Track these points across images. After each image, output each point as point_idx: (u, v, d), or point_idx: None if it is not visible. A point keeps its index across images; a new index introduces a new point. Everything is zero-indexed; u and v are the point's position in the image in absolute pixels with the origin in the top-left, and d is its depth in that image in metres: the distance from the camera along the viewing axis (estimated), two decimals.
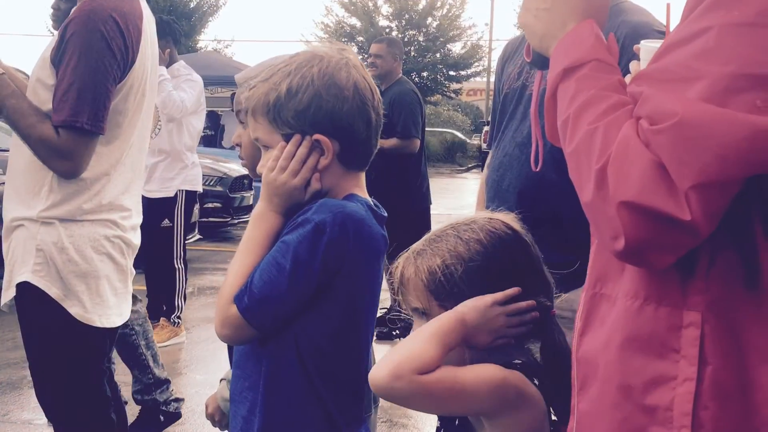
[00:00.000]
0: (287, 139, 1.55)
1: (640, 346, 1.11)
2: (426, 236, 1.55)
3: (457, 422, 1.53)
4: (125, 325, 3.68)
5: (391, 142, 5.53)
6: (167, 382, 3.76)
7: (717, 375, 1.05)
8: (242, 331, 1.52)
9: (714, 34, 1.01)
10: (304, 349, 1.55)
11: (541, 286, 1.50)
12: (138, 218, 2.58)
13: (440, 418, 1.59)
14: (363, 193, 1.63)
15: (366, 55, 6.51)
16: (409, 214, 5.61)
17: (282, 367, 1.56)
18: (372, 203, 1.63)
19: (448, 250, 1.47)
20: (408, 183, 5.70)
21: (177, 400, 3.78)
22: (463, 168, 25.63)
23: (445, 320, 1.41)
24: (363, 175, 1.66)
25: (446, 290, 1.45)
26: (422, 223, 5.74)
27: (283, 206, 1.56)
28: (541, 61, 1.30)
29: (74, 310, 2.31)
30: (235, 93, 1.90)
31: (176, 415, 3.72)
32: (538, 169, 1.44)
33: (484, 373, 1.39)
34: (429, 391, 1.35)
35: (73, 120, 2.21)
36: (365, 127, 1.58)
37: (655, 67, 1.07)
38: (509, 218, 1.54)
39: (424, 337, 1.38)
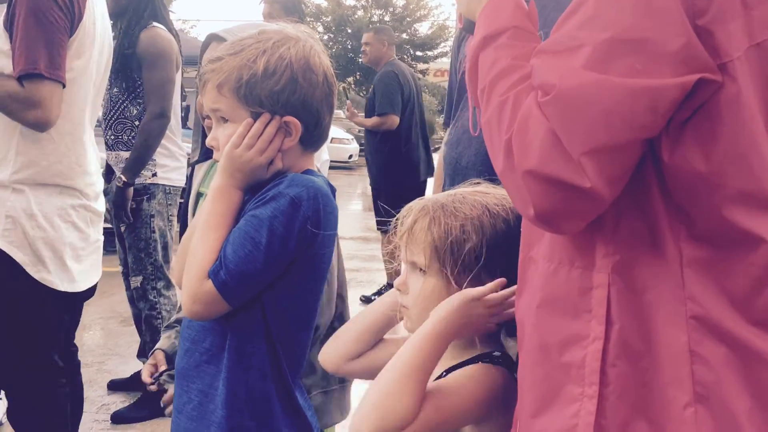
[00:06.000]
0: (255, 117, 1.55)
1: (556, 306, 1.14)
2: (450, 192, 1.48)
3: None
4: (153, 308, 3.86)
5: (372, 120, 6.07)
6: None
7: (623, 334, 1.08)
8: (215, 306, 1.52)
9: (592, 3, 1.04)
10: (272, 319, 1.56)
11: None
12: (100, 184, 2.64)
13: None
14: (315, 169, 1.66)
15: (331, 35, 6.72)
16: (398, 187, 6.01)
17: (248, 338, 1.57)
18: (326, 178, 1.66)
19: (472, 218, 1.40)
20: (393, 157, 6.12)
21: None
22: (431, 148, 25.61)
23: (420, 343, 1.32)
24: (314, 155, 1.69)
25: (453, 257, 1.39)
26: (412, 197, 5.93)
27: (245, 182, 1.57)
28: (472, 27, 1.31)
29: (39, 275, 2.38)
30: None
31: None
32: (476, 134, 1.45)
33: (472, 389, 1.34)
34: None
35: (31, 68, 2.27)
36: (328, 113, 1.62)
37: (550, 39, 1.09)
38: None
39: (400, 381, 1.28)
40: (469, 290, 1.37)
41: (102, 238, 2.64)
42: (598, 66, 1.00)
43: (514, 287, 1.33)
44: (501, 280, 1.37)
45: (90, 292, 2.64)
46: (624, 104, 0.99)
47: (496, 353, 1.42)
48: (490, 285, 1.37)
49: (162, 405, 3.70)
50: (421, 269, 1.44)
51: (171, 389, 1.78)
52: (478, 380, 1.36)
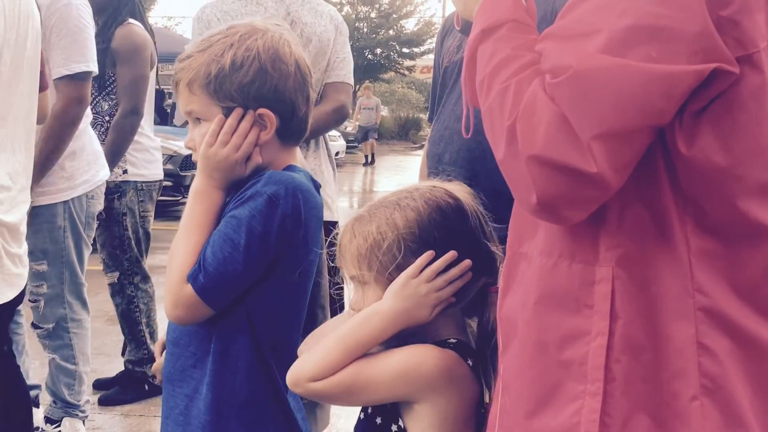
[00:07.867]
0: (227, 112, 1.52)
1: (556, 302, 1.12)
2: (370, 203, 1.52)
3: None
4: (130, 302, 3.87)
5: None
6: None
7: (627, 329, 1.07)
8: (197, 310, 1.50)
9: None
10: (257, 320, 1.54)
11: (482, 259, 1.45)
12: (15, 193, 2.36)
13: None
14: (298, 164, 1.63)
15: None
16: None
17: (233, 341, 1.54)
18: (309, 173, 1.63)
19: (385, 218, 1.43)
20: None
21: None
22: (417, 145, 25.64)
23: (356, 321, 1.40)
24: (297, 149, 1.66)
25: (378, 259, 1.41)
26: None
27: (225, 181, 1.55)
28: (470, 28, 1.31)
29: None
30: None
31: (159, 389, 3.80)
32: (469, 136, 1.45)
33: (396, 363, 1.37)
34: (328, 394, 1.39)
35: None
36: (305, 103, 1.58)
37: (558, 25, 1.08)
38: (456, 188, 1.50)
39: (329, 344, 1.39)
40: (403, 272, 1.40)
41: (20, 251, 2.37)
42: (616, 52, 0.99)
43: (449, 254, 1.40)
44: (429, 252, 1.40)
45: (8, 307, 2.38)
46: (639, 89, 0.98)
47: (451, 340, 1.42)
48: (420, 259, 1.40)
49: (151, 374, 3.75)
50: (359, 281, 1.46)
51: (160, 358, 1.74)
52: (410, 356, 1.38)
